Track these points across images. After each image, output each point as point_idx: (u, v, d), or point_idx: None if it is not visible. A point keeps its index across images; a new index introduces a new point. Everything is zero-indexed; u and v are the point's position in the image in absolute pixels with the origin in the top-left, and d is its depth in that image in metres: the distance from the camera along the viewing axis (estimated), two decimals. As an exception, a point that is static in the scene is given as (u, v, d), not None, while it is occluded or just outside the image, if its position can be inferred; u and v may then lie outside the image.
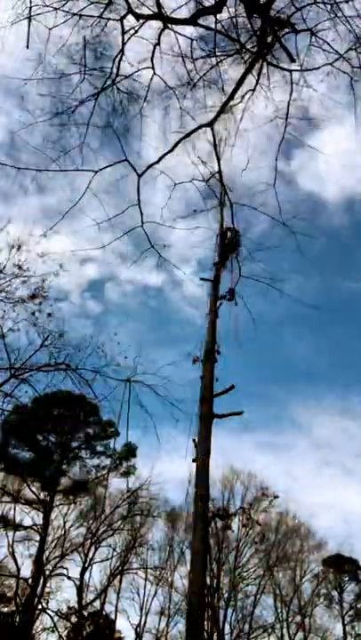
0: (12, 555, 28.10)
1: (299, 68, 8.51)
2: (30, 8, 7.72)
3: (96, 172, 9.04)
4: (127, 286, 51.38)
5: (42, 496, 27.61)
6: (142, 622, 33.35)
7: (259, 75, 8.79)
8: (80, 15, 8.11)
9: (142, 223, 9.81)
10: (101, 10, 8.13)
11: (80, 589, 29.92)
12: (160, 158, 9.34)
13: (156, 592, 34.35)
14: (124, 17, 8.19)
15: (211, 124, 8.97)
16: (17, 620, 27.06)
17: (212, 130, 9.04)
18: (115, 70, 8.64)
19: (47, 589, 28.22)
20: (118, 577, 33.02)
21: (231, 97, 8.75)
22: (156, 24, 8.37)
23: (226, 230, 11.88)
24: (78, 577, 30.01)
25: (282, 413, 60.92)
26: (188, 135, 9.17)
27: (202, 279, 11.94)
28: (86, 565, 30.54)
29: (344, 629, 36.87)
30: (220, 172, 9.49)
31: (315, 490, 54.19)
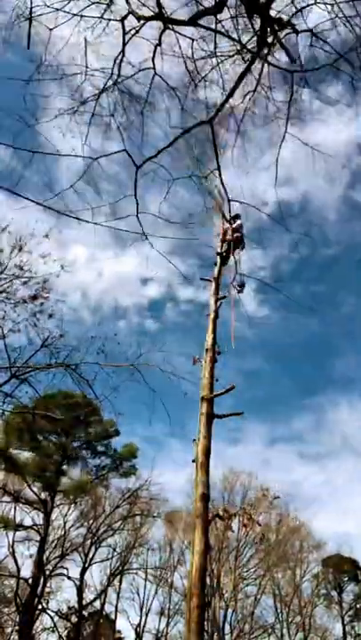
0: (13, 555, 28.16)
1: (299, 68, 8.53)
2: (31, 9, 7.75)
3: (95, 159, 9.02)
4: (186, 306, 52.68)
5: (42, 496, 27.64)
6: (142, 622, 33.43)
7: (259, 75, 8.82)
8: (81, 16, 8.15)
9: (137, 213, 9.79)
10: (102, 11, 8.17)
11: (80, 589, 29.96)
12: (158, 152, 9.35)
13: (156, 592, 34.47)
14: (124, 18, 8.21)
15: (210, 121, 8.98)
16: (17, 620, 27.09)
17: (212, 126, 9.04)
18: (116, 71, 8.67)
19: (47, 589, 28.27)
20: (118, 577, 33.11)
21: (231, 94, 8.75)
22: (157, 24, 8.39)
23: (227, 229, 11.89)
24: (78, 577, 30.09)
25: (329, 424, 61.38)
26: (187, 131, 9.17)
27: (202, 279, 11.98)
28: (86, 565, 30.58)
29: (344, 629, 36.94)
30: (218, 168, 9.50)
31: (349, 499, 54.74)
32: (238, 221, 11.86)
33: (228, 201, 10.43)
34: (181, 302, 50.91)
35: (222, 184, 9.85)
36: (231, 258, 11.77)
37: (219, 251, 11.98)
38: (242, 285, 11.35)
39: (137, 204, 9.53)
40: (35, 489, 27.53)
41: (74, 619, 30.16)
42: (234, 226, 11.71)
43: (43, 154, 8.30)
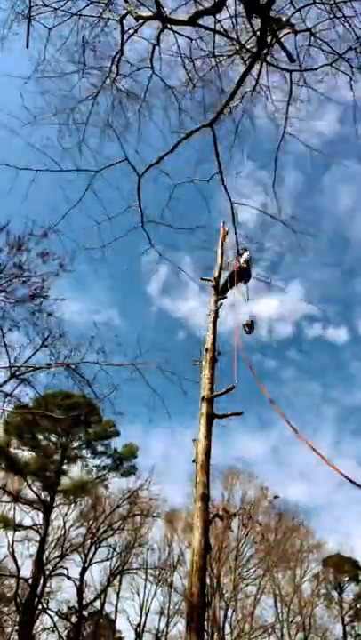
0: (12, 555, 28.14)
1: (298, 68, 8.53)
2: (30, 8, 7.74)
3: (96, 172, 9.07)
4: (312, 345, 56.10)
5: (42, 496, 27.64)
6: (142, 622, 33.41)
7: (258, 75, 8.81)
8: (79, 15, 8.14)
9: (142, 223, 9.85)
10: (101, 10, 8.16)
11: (80, 589, 29.94)
12: (160, 159, 9.36)
13: (156, 592, 34.45)
14: (123, 17, 8.20)
15: (210, 125, 8.97)
16: (17, 620, 27.07)
17: (213, 130, 9.04)
18: (114, 70, 8.66)
19: (47, 589, 28.24)
20: (118, 577, 33.08)
21: (232, 97, 8.75)
22: (156, 24, 8.38)
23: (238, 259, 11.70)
24: (78, 577, 30.07)
25: None
26: (188, 136, 9.17)
27: (202, 279, 11.98)
28: (86, 565, 30.57)
29: (344, 629, 36.90)
30: (220, 171, 9.49)
31: None
32: (246, 254, 11.68)
33: (232, 204, 10.41)
34: (310, 341, 55.02)
35: (224, 187, 9.85)
36: (233, 290, 11.59)
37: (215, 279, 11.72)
38: (251, 326, 10.85)
39: (142, 214, 9.60)
40: (35, 489, 27.53)
41: (74, 619, 30.14)
42: (242, 259, 11.55)
43: (45, 171, 8.37)
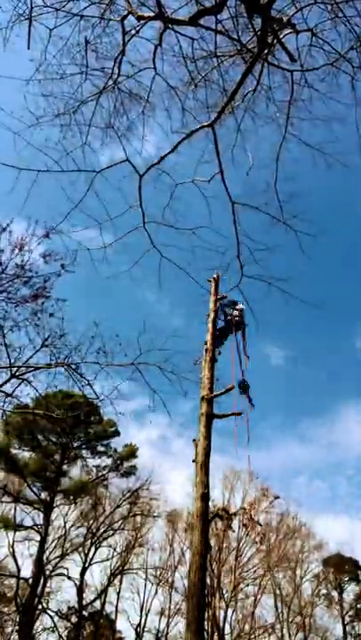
0: (13, 555, 28.16)
1: (299, 68, 8.53)
2: (31, 9, 7.73)
3: (97, 172, 9.09)
4: None
5: (42, 496, 27.66)
6: (142, 622, 33.40)
7: (260, 75, 8.81)
8: (81, 16, 8.13)
9: (144, 223, 9.87)
10: (102, 10, 8.15)
11: (80, 589, 29.95)
12: (161, 159, 9.38)
13: (156, 592, 34.44)
14: (124, 17, 8.19)
15: (212, 125, 8.98)
16: (17, 620, 27.07)
17: (213, 130, 9.05)
18: (116, 70, 8.66)
19: (47, 589, 28.27)
20: (118, 577, 33.09)
21: (232, 97, 8.75)
22: (157, 24, 8.38)
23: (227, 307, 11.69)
24: (78, 577, 30.09)
25: None
26: (189, 135, 9.19)
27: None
28: (86, 565, 30.58)
29: (344, 629, 36.95)
30: (221, 172, 9.50)
31: None
32: (241, 306, 11.69)
33: (233, 204, 10.41)
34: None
35: (225, 187, 9.85)
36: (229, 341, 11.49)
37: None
38: (244, 388, 10.97)
39: (143, 214, 9.61)
40: (35, 489, 27.54)
41: (74, 619, 30.14)
42: (237, 310, 11.53)
43: (46, 171, 8.37)
